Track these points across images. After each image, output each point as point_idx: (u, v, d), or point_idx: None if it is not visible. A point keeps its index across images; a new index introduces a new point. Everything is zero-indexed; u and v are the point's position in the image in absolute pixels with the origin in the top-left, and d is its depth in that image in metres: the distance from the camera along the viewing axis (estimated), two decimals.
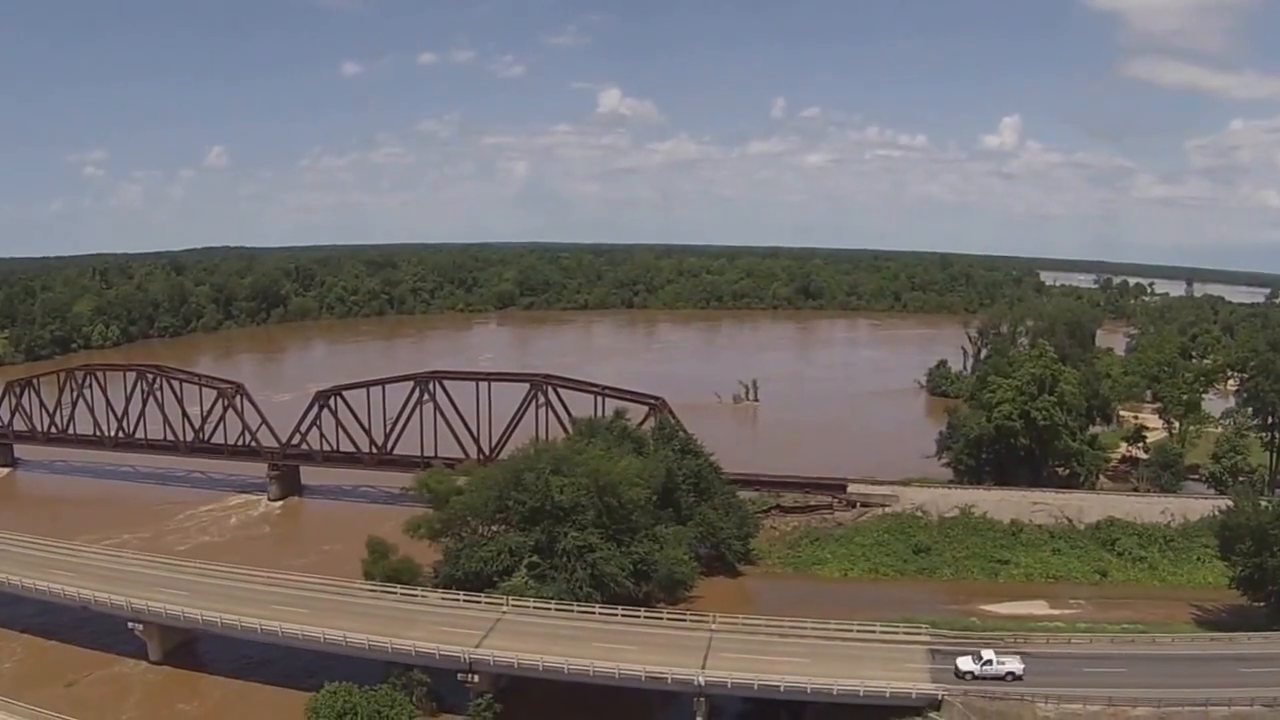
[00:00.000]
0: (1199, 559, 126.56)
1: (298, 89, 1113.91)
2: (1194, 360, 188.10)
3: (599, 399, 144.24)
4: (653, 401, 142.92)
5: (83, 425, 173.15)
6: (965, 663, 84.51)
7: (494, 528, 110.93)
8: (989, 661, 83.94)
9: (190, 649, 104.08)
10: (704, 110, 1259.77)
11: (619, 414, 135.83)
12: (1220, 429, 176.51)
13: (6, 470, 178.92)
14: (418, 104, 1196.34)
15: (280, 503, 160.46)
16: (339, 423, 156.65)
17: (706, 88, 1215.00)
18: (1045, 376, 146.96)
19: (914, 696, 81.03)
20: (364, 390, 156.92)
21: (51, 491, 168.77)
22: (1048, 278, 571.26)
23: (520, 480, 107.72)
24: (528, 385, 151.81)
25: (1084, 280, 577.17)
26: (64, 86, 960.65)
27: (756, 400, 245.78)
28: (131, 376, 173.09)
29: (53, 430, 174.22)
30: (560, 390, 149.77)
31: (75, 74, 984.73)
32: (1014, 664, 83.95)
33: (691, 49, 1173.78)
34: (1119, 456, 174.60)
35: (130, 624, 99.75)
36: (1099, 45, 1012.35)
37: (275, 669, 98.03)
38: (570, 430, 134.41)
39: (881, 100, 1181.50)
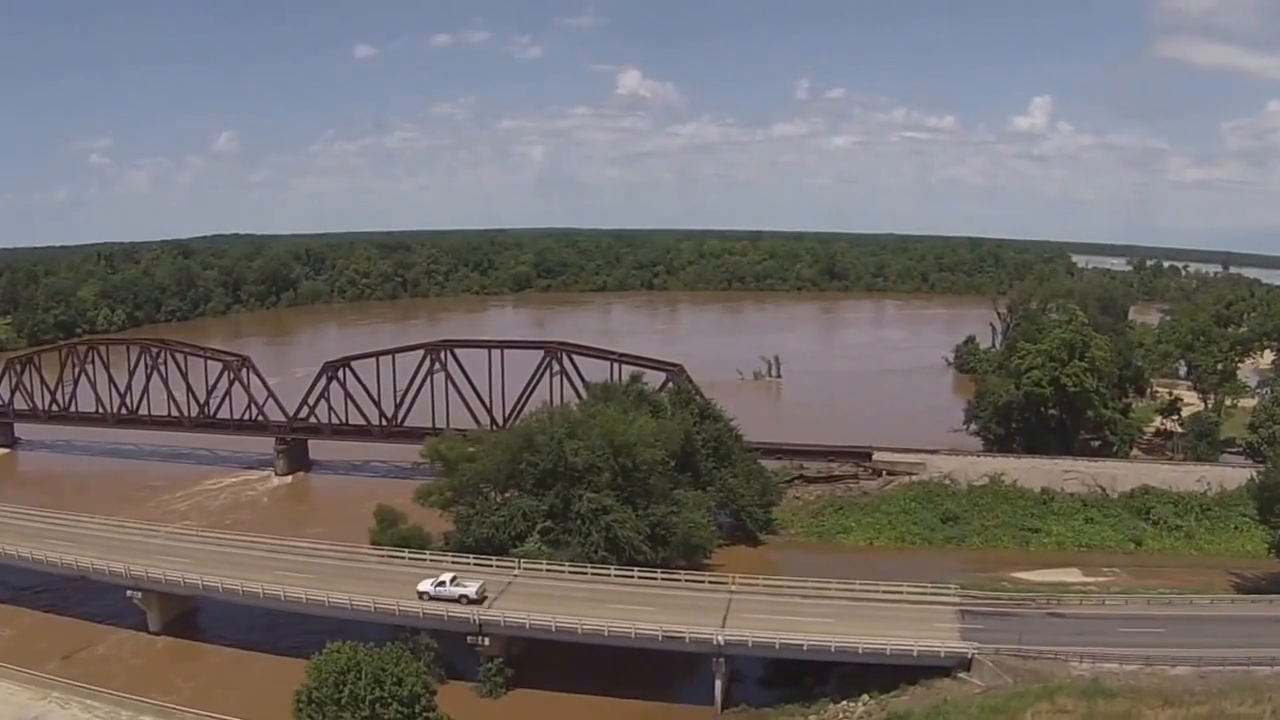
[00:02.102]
0: (1237, 527, 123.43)
1: (309, 72, 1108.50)
2: (1229, 329, 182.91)
3: (615, 366, 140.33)
4: (671, 368, 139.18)
5: (85, 403, 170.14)
6: (424, 585, 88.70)
7: (506, 494, 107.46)
8: (442, 583, 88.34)
9: (191, 619, 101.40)
10: (726, 92, 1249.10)
11: (635, 378, 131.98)
12: (1257, 399, 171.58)
13: (6, 450, 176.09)
14: (432, 87, 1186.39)
15: (288, 478, 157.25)
16: (348, 394, 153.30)
17: (729, 68, 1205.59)
18: (1076, 342, 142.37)
19: (943, 655, 77.89)
20: (373, 360, 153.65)
21: (53, 470, 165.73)
22: (1079, 260, 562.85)
23: (533, 442, 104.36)
24: (541, 353, 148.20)
25: (1116, 264, 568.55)
26: (68, 72, 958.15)
27: (779, 377, 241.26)
28: (135, 351, 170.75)
29: (54, 408, 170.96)
30: (575, 358, 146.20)
31: (80, 60, 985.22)
32: (471, 589, 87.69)
33: (713, 29, 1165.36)
34: (1153, 430, 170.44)
35: (129, 592, 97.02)
36: (1132, 24, 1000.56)
37: (278, 639, 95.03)
38: (585, 396, 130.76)
39: (909, 81, 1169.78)
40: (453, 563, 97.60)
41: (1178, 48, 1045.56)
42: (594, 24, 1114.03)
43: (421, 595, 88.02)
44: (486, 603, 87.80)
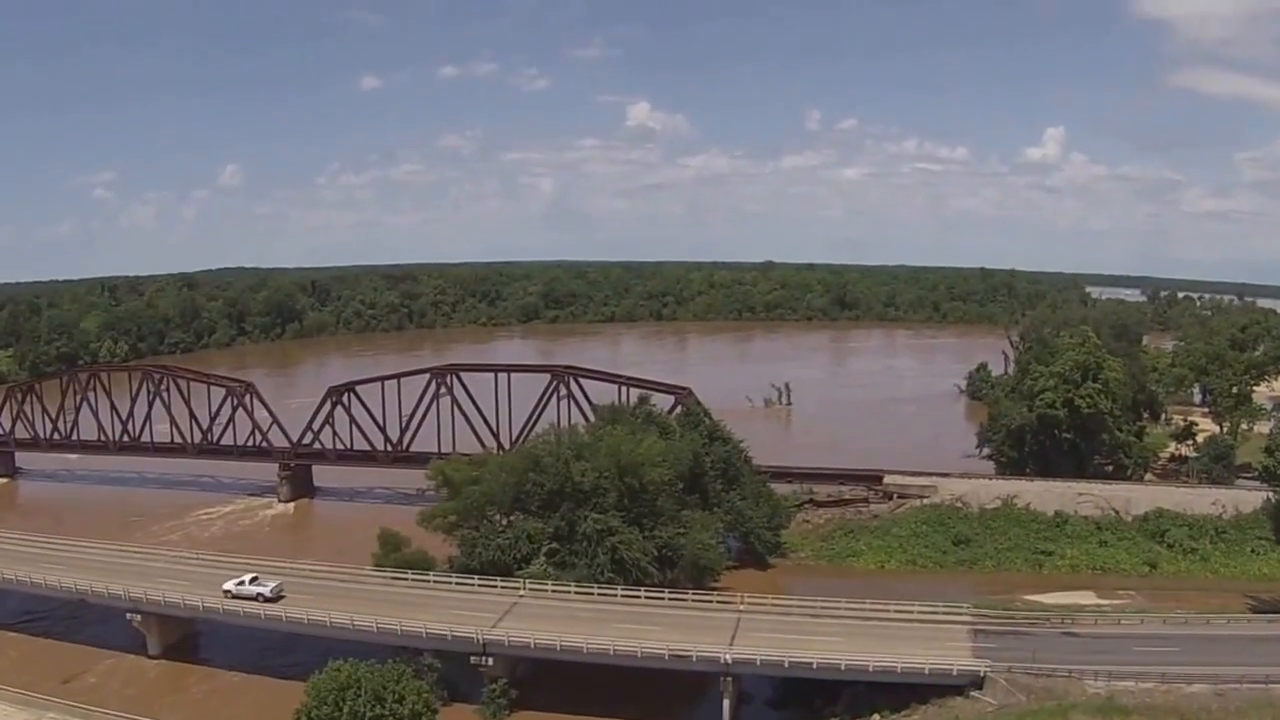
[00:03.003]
0: (1253, 550, 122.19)
1: (314, 104, 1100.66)
2: (1245, 353, 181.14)
3: (623, 390, 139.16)
4: (679, 391, 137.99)
5: (87, 430, 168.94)
6: (228, 584, 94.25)
7: (512, 517, 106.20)
8: (242, 582, 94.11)
9: (191, 643, 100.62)
10: (736, 123, 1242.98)
11: (643, 400, 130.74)
12: (1273, 422, 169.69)
13: (7, 479, 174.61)
14: (439, 119, 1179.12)
15: (291, 505, 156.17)
16: (353, 419, 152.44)
17: (738, 100, 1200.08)
18: (1089, 363, 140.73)
19: (955, 673, 76.50)
20: (378, 385, 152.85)
21: (55, 499, 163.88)
22: (1093, 292, 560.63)
23: (539, 463, 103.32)
24: (549, 376, 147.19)
25: (1131, 295, 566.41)
26: (71, 106, 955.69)
27: (789, 405, 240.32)
28: (137, 377, 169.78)
29: (55, 436, 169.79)
30: (582, 381, 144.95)
31: (83, 93, 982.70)
32: (267, 589, 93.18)
33: (723, 60, 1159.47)
34: (1168, 455, 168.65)
35: (128, 615, 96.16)
36: (1145, 55, 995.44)
37: (279, 662, 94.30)
38: (592, 419, 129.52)
39: (920, 112, 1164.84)
40: (457, 584, 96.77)
41: (1192, 78, 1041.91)
42: (602, 55, 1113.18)
43: (225, 593, 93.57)
44: (493, 623, 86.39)
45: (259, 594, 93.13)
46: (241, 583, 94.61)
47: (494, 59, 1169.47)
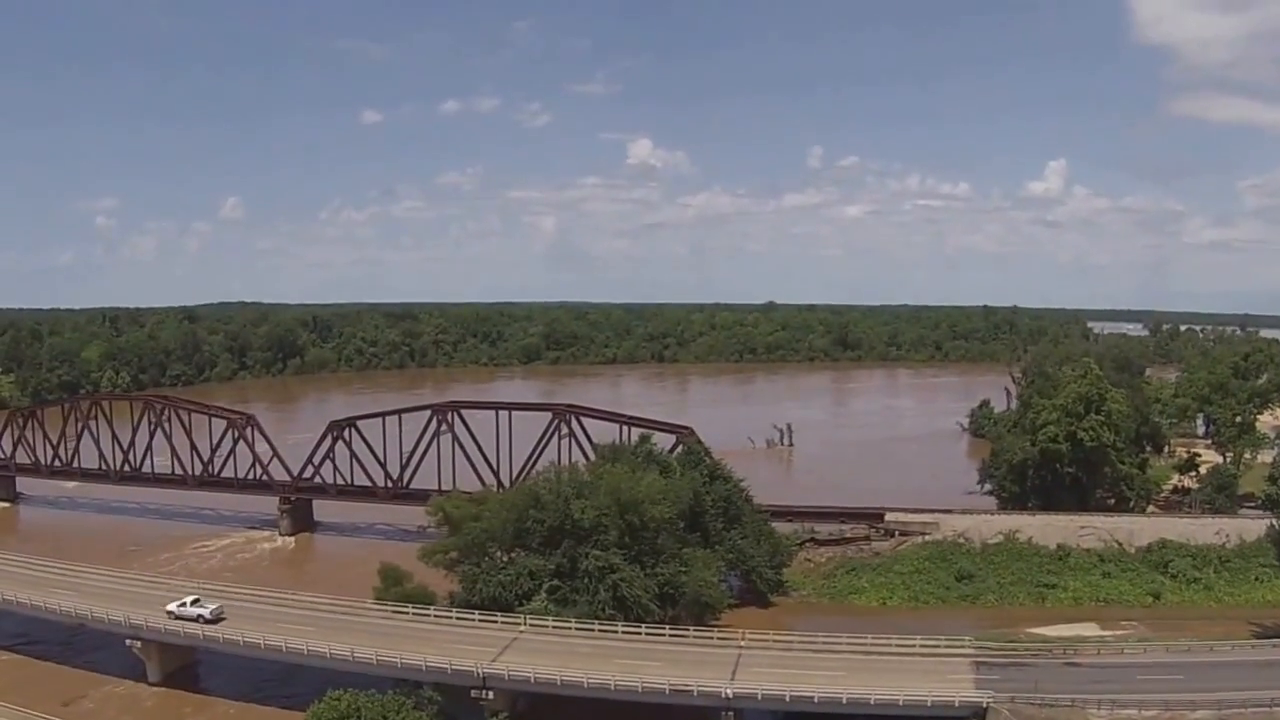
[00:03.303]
0: (1257, 578, 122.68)
1: (316, 138, 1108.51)
2: (1248, 382, 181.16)
3: (624, 429, 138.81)
4: (680, 430, 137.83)
5: (88, 459, 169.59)
6: (170, 606, 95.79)
7: (512, 553, 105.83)
8: (184, 603, 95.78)
9: (190, 671, 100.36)
10: (737, 160, 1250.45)
11: (644, 439, 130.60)
12: (1277, 450, 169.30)
13: (8, 505, 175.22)
14: (440, 155, 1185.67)
15: (291, 539, 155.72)
16: (353, 455, 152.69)
17: (741, 137, 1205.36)
18: (1092, 395, 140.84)
19: (957, 704, 76.22)
20: (379, 421, 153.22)
21: (54, 526, 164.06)
22: (1095, 326, 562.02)
23: (539, 500, 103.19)
24: (550, 415, 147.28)
25: (1133, 329, 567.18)
26: (74, 135, 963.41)
27: (791, 445, 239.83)
28: (139, 407, 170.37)
29: (57, 463, 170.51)
30: (584, 420, 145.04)
31: (86, 122, 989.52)
32: (207, 610, 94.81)
33: (725, 97, 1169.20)
34: (1170, 487, 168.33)
35: (128, 642, 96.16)
36: (1147, 82, 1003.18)
37: (279, 692, 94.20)
38: (593, 457, 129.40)
39: (921, 148, 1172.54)
40: (457, 619, 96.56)
41: (1194, 105, 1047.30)
42: (604, 91, 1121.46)
43: (169, 614, 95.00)
44: (494, 657, 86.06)
45: (199, 615, 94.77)
46: (183, 604, 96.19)
47: (495, 94, 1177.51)
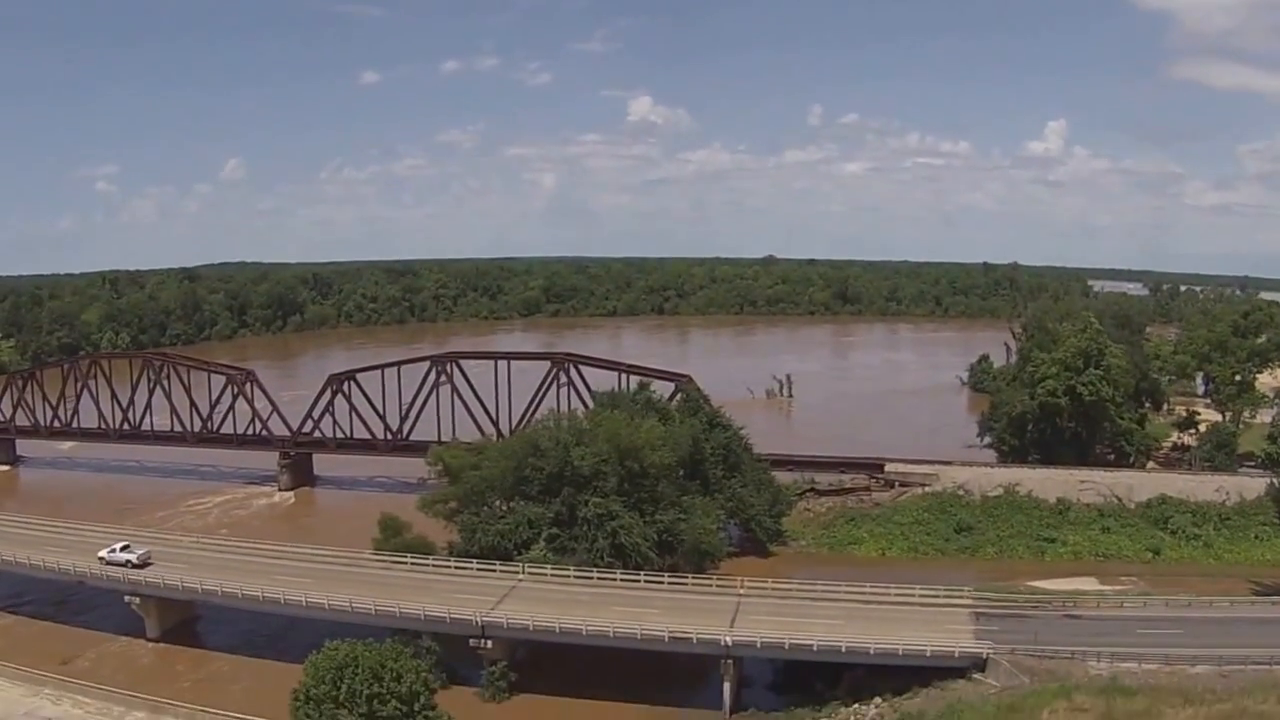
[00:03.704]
0: (1257, 536, 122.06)
1: (316, 99, 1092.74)
2: (1247, 340, 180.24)
3: (623, 377, 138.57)
4: (679, 378, 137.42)
5: (87, 419, 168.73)
6: (102, 552, 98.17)
7: (512, 502, 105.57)
8: (114, 549, 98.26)
9: (190, 627, 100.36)
10: (738, 118, 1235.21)
11: (643, 386, 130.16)
12: (1276, 409, 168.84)
13: (8, 468, 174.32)
14: (440, 114, 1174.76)
15: (291, 493, 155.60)
16: (353, 408, 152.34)
17: (741, 94, 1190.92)
18: (1091, 350, 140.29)
19: (957, 655, 76.06)
20: (378, 373, 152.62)
21: (54, 487, 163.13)
22: (1096, 285, 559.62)
23: (538, 448, 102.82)
24: (548, 364, 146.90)
25: (1133, 289, 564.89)
26: (73, 99, 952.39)
27: (790, 396, 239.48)
28: (138, 365, 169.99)
29: (56, 424, 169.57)
30: (582, 369, 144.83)
31: (84, 87, 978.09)
32: (134, 555, 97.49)
33: (725, 54, 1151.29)
34: (1170, 445, 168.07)
35: (127, 598, 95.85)
36: (1148, 46, 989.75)
37: (278, 646, 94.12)
38: (591, 406, 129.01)
39: (922, 106, 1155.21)
40: (456, 568, 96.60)
41: (1195, 70, 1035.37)
42: (604, 49, 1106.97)
43: (101, 560, 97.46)
44: (492, 605, 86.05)
45: (127, 560, 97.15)
46: (114, 549, 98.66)
47: (496, 53, 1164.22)
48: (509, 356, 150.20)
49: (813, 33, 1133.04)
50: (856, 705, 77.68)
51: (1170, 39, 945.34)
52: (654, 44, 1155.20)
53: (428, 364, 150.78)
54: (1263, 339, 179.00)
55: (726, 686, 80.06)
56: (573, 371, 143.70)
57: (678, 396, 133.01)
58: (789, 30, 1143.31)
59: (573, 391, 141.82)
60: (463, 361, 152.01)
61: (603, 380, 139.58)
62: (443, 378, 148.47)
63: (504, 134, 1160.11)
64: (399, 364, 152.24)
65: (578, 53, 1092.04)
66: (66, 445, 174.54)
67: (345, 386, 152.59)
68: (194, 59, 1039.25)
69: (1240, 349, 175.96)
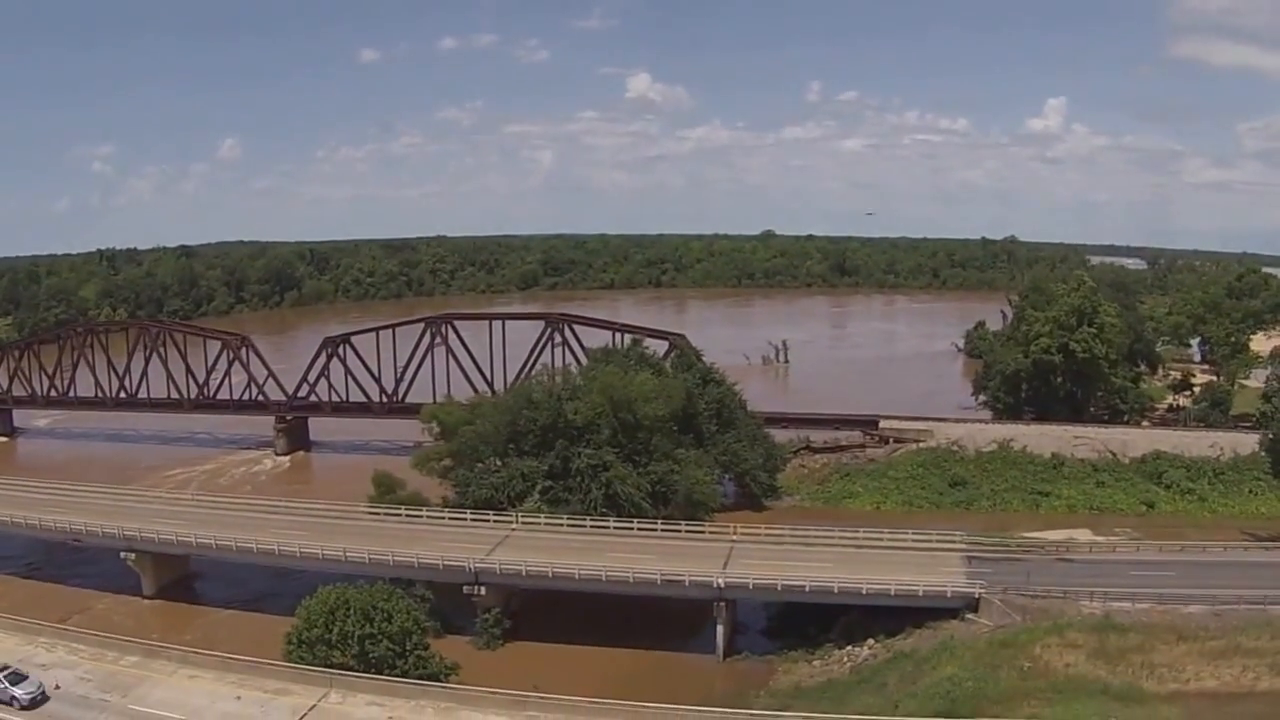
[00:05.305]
0: (1250, 491, 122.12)
1: (312, 77, 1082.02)
2: (1241, 302, 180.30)
3: (617, 336, 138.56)
4: (673, 336, 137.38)
5: (84, 388, 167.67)
6: None
7: (506, 457, 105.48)
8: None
9: (185, 583, 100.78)
10: (736, 95, 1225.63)
11: (637, 342, 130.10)
12: (1269, 370, 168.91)
13: (5, 439, 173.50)
14: (438, 91, 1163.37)
15: (288, 457, 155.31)
16: (348, 371, 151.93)
17: (739, 71, 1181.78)
18: (1085, 308, 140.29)
19: (949, 595, 76.56)
20: (373, 335, 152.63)
21: (52, 457, 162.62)
22: (1094, 260, 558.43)
23: (532, 401, 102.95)
24: (543, 324, 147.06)
25: (1132, 264, 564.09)
26: (69, 80, 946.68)
27: (786, 362, 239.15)
28: (133, 333, 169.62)
29: (52, 393, 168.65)
30: (577, 329, 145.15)
31: (80, 67, 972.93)
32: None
33: (724, 31, 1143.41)
34: (1165, 406, 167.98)
35: (123, 554, 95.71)
36: (1147, 24, 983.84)
37: (274, 601, 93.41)
38: (585, 361, 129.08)
39: (921, 83, 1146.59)
40: (450, 519, 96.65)
41: (1194, 48, 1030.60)
42: (602, 26, 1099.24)
43: None
44: (486, 553, 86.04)
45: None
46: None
47: (493, 30, 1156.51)
48: (504, 317, 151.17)
49: (811, 8, 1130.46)
50: (850, 647, 78.17)
51: (1171, 16, 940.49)
52: (653, 21, 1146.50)
53: (422, 326, 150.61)
54: (1257, 301, 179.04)
55: (719, 631, 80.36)
56: (567, 331, 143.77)
57: (671, 354, 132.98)
58: (787, 8, 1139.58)
59: (567, 351, 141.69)
60: (458, 323, 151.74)
61: (597, 340, 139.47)
62: (438, 339, 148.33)
63: (502, 111, 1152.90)
64: (394, 326, 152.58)
65: (576, 30, 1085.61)
66: (66, 415, 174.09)
67: (340, 350, 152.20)
68: (190, 39, 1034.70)
69: (1234, 310, 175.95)
